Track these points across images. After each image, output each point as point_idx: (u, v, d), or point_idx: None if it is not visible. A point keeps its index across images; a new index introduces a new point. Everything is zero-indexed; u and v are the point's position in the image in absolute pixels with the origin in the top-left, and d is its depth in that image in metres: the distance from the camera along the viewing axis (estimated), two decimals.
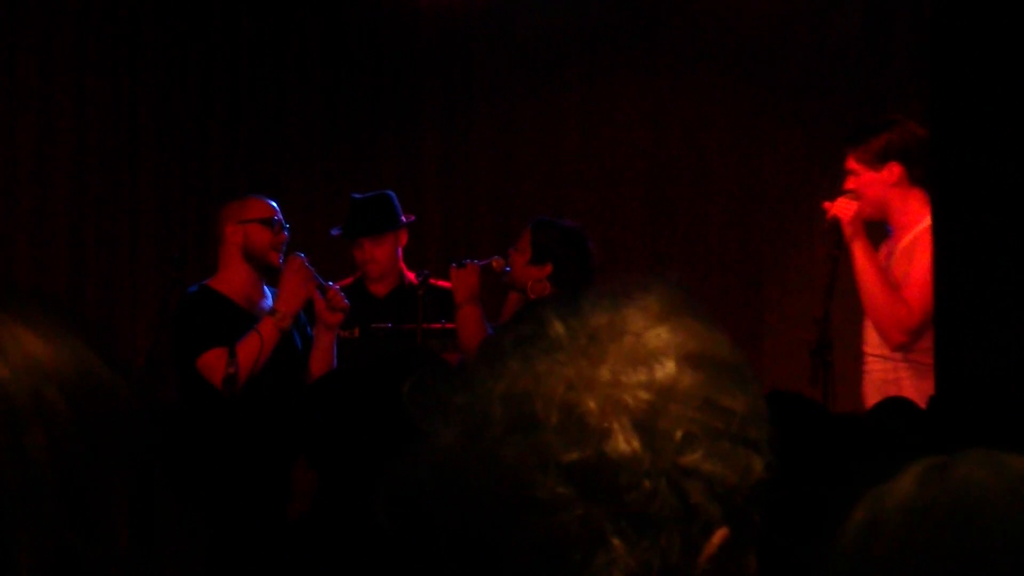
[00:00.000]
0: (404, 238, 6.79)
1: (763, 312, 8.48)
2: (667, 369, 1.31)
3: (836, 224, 6.08)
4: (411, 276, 6.79)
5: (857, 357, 6.35)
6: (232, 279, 6.29)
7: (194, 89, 8.74)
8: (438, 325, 6.51)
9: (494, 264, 6.57)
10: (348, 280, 6.69)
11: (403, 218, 6.76)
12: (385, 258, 6.71)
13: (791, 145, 8.50)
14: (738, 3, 8.45)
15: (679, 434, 1.28)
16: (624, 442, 1.28)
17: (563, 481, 1.27)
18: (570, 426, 1.28)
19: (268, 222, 6.27)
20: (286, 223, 6.36)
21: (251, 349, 6.08)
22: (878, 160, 6.04)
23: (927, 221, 5.48)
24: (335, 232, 6.77)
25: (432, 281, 6.65)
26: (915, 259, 5.88)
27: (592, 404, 1.28)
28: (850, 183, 6.16)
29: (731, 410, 1.31)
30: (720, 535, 1.29)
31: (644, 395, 1.29)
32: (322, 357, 6.26)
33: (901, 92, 8.23)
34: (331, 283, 6.38)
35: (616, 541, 1.27)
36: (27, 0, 8.43)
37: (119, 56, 8.59)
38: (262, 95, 8.81)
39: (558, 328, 1.32)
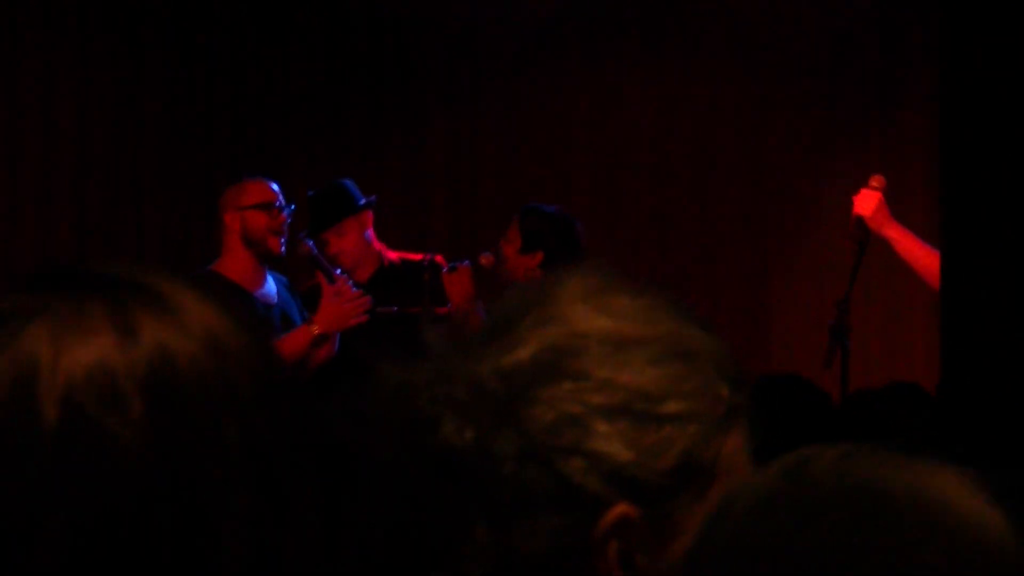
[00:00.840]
0: (369, 220, 6.72)
1: (770, 298, 8.47)
2: (535, 353, 1.30)
3: (860, 218, 6.18)
4: (392, 255, 6.76)
5: (866, 344, 6.37)
6: (235, 265, 6.28)
7: (197, 83, 8.72)
8: (445, 309, 6.48)
9: (482, 261, 6.53)
10: (317, 279, 6.63)
11: (361, 200, 6.73)
12: (352, 246, 6.65)
13: (799, 131, 8.48)
14: None
15: (550, 416, 1.28)
16: (455, 432, 1.28)
17: (423, 473, 1.28)
18: (403, 420, 1.30)
19: (265, 206, 6.25)
20: (288, 204, 6.33)
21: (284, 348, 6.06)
22: None
23: None
24: (302, 236, 6.66)
25: (438, 259, 6.63)
26: None
27: (421, 400, 1.30)
28: None
29: (634, 387, 1.30)
30: (617, 512, 1.28)
31: (497, 384, 1.29)
32: (326, 344, 6.27)
33: (912, 80, 8.22)
34: (339, 271, 6.37)
35: (482, 528, 1.27)
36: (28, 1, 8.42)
37: (122, 50, 8.57)
38: (265, 88, 8.79)
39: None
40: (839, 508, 1.12)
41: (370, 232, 6.73)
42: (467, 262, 6.51)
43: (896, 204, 8.10)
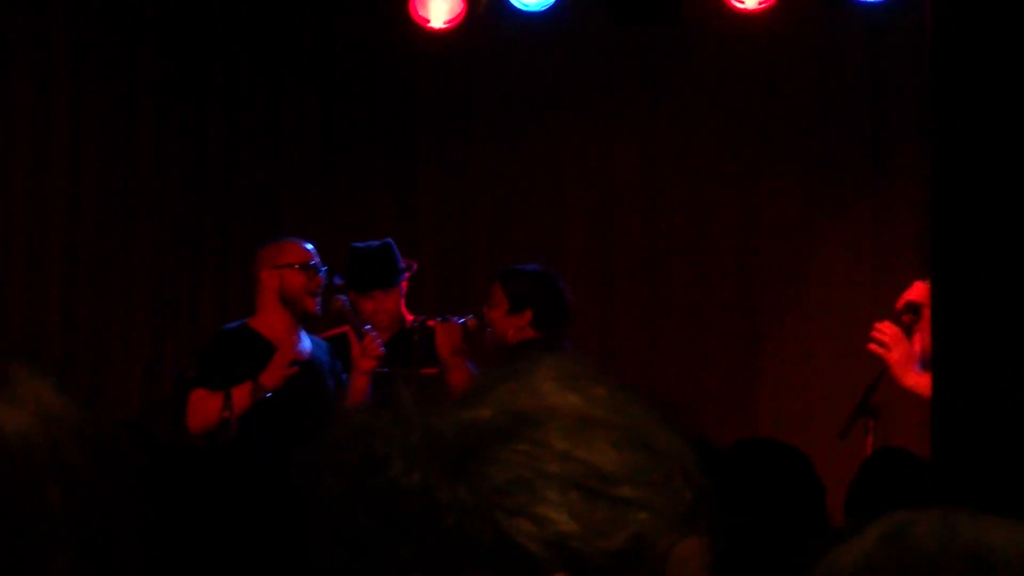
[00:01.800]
0: (406, 283, 6.80)
1: (760, 352, 8.45)
2: (496, 413, 1.32)
3: (910, 302, 6.14)
4: (411, 318, 6.80)
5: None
6: (270, 321, 6.36)
7: (189, 131, 8.73)
8: (434, 370, 6.46)
9: (468, 324, 6.52)
10: (344, 328, 6.65)
11: (404, 263, 6.77)
12: (394, 307, 6.73)
13: (790, 191, 8.48)
14: (736, 46, 8.45)
15: (502, 476, 1.29)
16: (402, 473, 1.29)
17: (367, 515, 1.29)
18: (355, 459, 1.32)
19: (303, 267, 6.33)
20: (323, 266, 6.39)
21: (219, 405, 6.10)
22: None
23: None
24: (338, 281, 6.70)
25: (430, 323, 6.63)
26: None
27: (376, 441, 1.32)
28: None
29: (591, 463, 1.30)
30: None
31: (452, 435, 1.30)
32: (356, 401, 6.29)
33: (900, 133, 8.24)
34: (368, 327, 6.39)
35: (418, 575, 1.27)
36: (21, 37, 8.44)
37: (114, 99, 8.61)
38: (257, 145, 8.80)
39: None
40: (944, 571, 1.13)
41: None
42: (462, 320, 6.51)
43: (887, 262, 8.11)
